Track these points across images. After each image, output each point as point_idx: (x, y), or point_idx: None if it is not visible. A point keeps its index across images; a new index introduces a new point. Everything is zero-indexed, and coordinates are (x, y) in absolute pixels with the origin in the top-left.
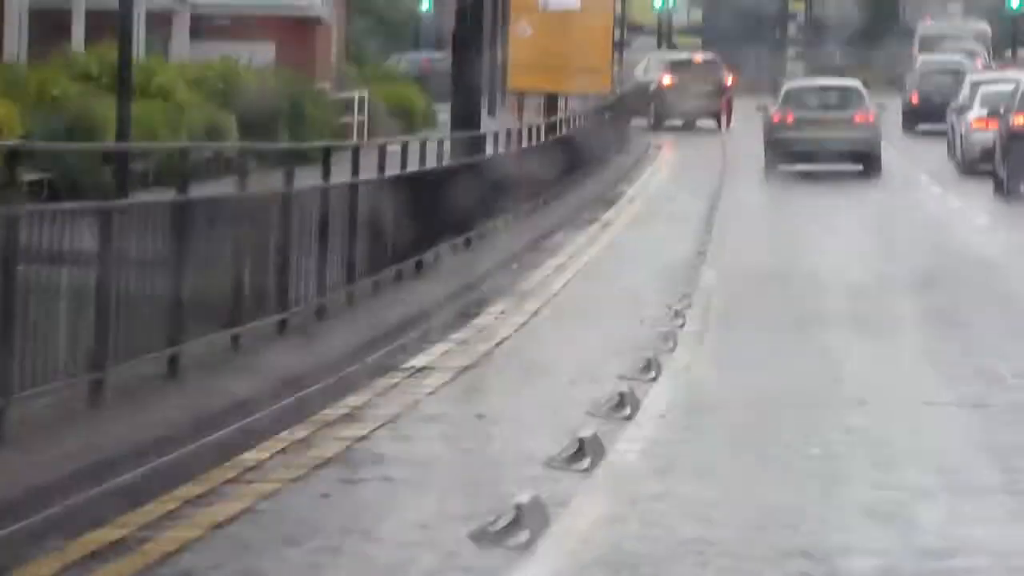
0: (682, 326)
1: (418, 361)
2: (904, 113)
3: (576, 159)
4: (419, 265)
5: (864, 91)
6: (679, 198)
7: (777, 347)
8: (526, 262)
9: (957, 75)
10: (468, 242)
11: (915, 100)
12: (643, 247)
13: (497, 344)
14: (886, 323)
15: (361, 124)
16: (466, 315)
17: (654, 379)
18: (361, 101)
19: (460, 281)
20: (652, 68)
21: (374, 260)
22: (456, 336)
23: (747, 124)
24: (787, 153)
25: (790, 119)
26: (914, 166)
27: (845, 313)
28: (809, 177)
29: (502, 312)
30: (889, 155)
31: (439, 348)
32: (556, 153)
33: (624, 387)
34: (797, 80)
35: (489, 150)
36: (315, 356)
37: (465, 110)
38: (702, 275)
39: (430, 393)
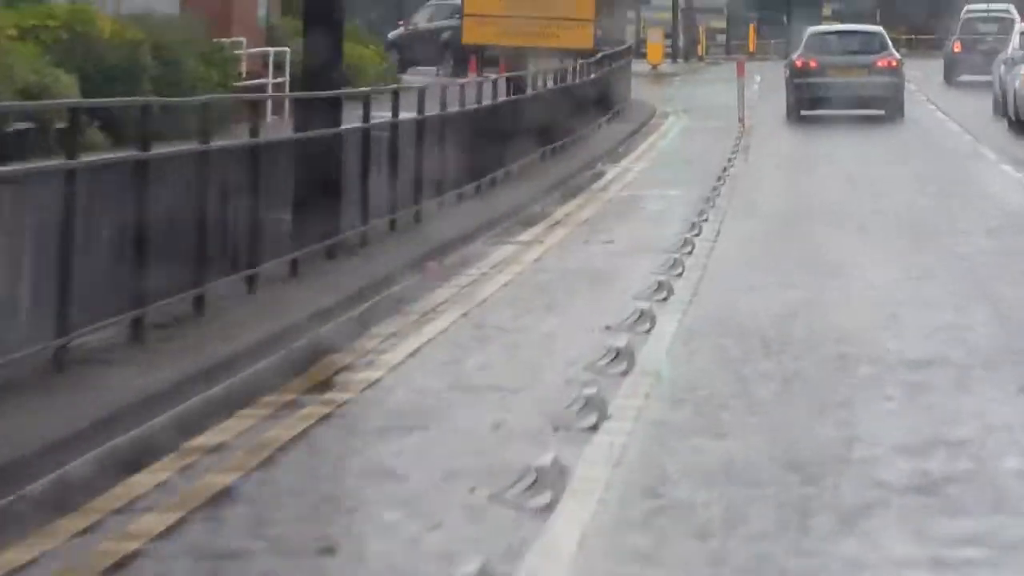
0: None
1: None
2: (946, 63)
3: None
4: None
5: (886, 37)
6: None
7: None
8: None
9: (1003, 23)
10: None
11: (957, 48)
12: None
13: None
14: None
15: (281, 86)
16: None
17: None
18: (280, 59)
19: None
20: None
21: None
22: None
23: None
24: (809, 98)
25: (813, 64)
26: (960, 124)
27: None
28: (841, 146)
29: None
30: (926, 111)
31: None
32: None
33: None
34: (819, 26)
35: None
36: None
37: (321, 58)
38: None
39: None
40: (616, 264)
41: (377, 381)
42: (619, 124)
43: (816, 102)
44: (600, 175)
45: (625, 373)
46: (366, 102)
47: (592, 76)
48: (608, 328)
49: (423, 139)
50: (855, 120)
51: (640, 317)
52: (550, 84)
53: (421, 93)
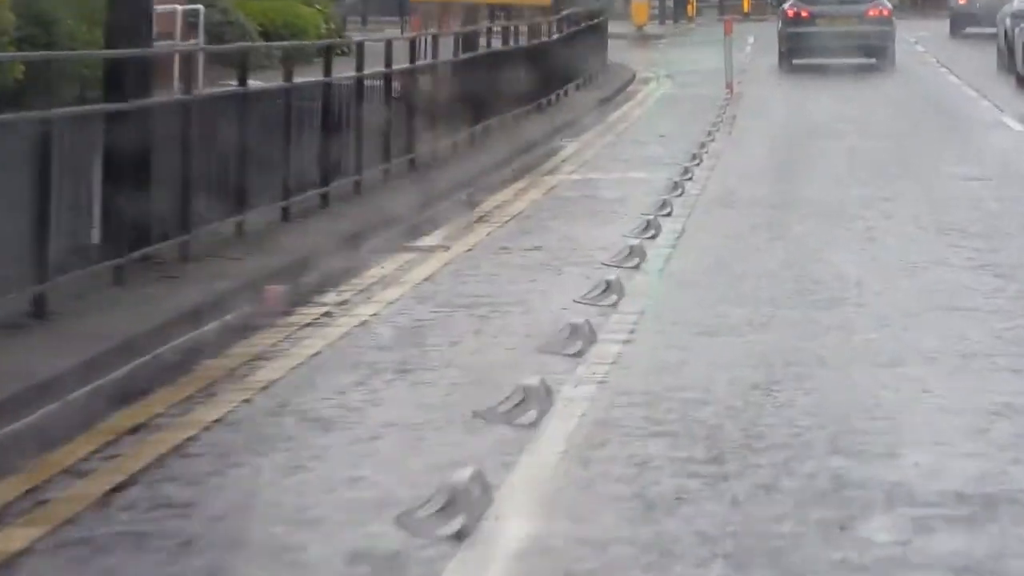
0: None
1: None
2: (952, 16)
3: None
4: None
5: None
6: None
7: None
8: None
9: None
10: None
11: (963, 0)
12: None
13: None
14: None
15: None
16: None
17: None
18: (192, 18)
19: None
20: None
21: None
22: None
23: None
24: (800, 47)
25: (804, 14)
26: (963, 79)
27: None
28: (840, 114)
29: None
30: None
31: None
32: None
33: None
34: None
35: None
36: None
37: (128, 19)
38: None
39: None
40: (532, 290)
41: None
42: (590, 91)
43: (807, 51)
44: (553, 153)
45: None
46: (242, 65)
47: (555, 36)
48: (476, 416)
49: (330, 111)
50: (855, 83)
51: (521, 403)
52: (500, 45)
53: (326, 53)
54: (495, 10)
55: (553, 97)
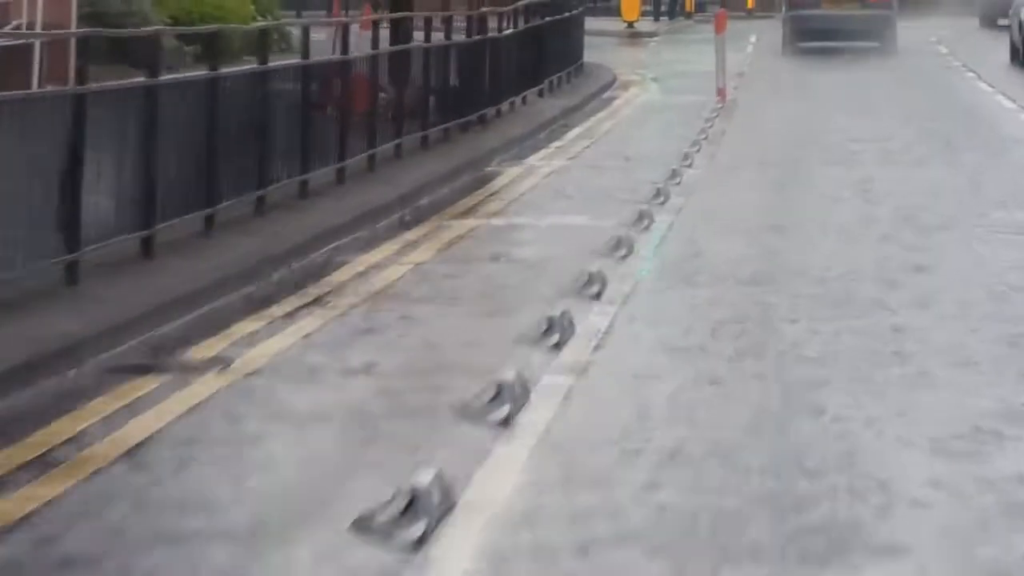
0: None
1: None
2: (981, 6)
3: None
4: None
5: None
6: None
7: None
8: None
9: None
10: None
11: None
12: None
13: None
14: None
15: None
16: None
17: None
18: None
19: None
20: None
21: None
22: None
23: None
24: (803, 31)
25: None
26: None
27: None
28: (851, 128)
29: None
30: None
31: None
32: None
33: None
34: None
35: None
36: None
37: None
38: None
39: None
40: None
41: None
42: (556, 99)
43: (810, 34)
44: (482, 182)
45: None
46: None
47: (509, 31)
48: None
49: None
50: (868, 89)
51: None
52: (442, 39)
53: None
54: None
55: (506, 106)
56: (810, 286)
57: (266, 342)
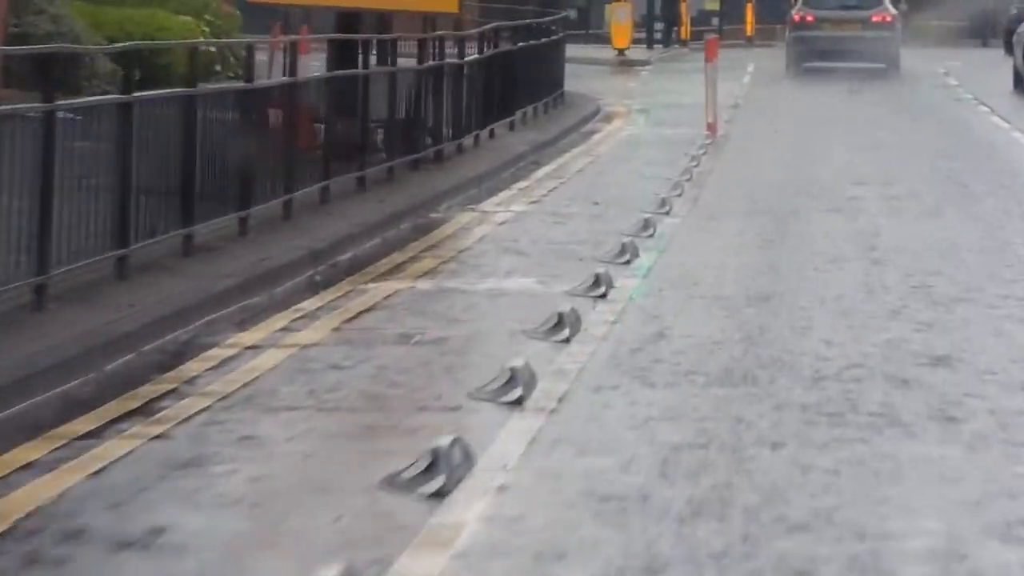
0: None
1: None
2: (1005, 37)
3: None
4: None
5: None
6: None
7: None
8: None
9: None
10: None
11: None
12: None
13: None
14: None
15: None
16: None
17: None
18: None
19: None
20: None
21: None
22: None
23: None
24: (807, 51)
25: (810, 19)
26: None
27: None
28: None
29: None
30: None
31: None
32: None
33: None
34: None
35: None
36: None
37: None
38: None
39: None
40: None
41: None
42: (527, 132)
43: (815, 55)
44: (422, 231)
45: None
46: None
47: (472, 56)
48: None
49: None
50: (872, 121)
51: None
52: (390, 64)
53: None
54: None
55: (469, 141)
56: (800, 389)
57: (32, 484)
